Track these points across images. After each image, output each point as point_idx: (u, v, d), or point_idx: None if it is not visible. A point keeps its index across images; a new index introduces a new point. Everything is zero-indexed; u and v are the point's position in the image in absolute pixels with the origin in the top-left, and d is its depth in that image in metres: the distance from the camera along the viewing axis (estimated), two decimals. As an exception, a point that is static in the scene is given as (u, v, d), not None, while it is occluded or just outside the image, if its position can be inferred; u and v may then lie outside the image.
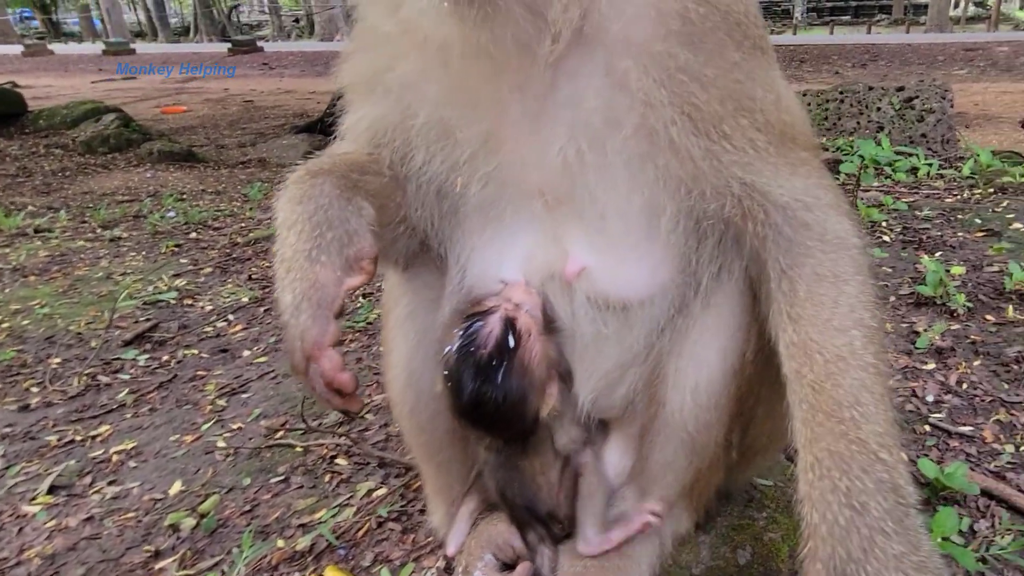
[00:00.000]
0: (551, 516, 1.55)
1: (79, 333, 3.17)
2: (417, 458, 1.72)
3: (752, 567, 1.61)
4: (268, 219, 5.35)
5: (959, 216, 3.90)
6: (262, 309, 3.39)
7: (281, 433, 2.30)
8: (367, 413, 2.39)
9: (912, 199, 4.34)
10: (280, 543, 1.80)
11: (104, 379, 2.76)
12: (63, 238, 4.86)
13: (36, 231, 5.04)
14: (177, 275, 3.92)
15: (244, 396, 2.58)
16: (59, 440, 2.36)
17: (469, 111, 1.26)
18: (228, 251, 4.39)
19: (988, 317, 2.80)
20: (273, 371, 2.75)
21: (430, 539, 1.78)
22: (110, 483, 2.13)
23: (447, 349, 1.31)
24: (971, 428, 2.16)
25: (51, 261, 4.29)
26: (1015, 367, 2.45)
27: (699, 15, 1.15)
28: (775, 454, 1.77)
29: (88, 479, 2.15)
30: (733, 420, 1.41)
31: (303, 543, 1.78)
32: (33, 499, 2.07)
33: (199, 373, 2.78)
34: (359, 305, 3.27)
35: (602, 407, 1.50)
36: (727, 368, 1.36)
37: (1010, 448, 2.06)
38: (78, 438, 2.37)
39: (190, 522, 1.90)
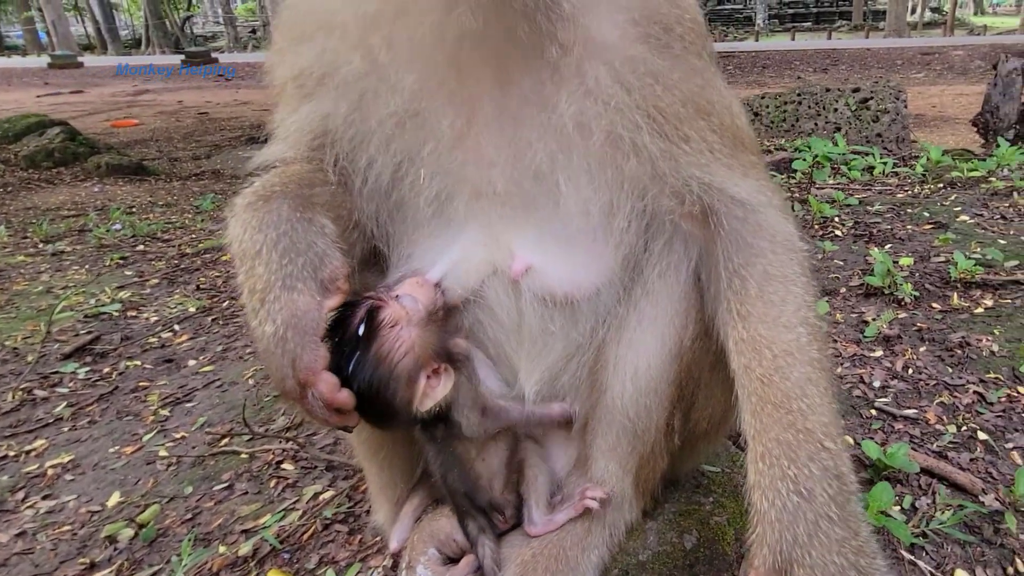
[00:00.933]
0: (492, 506, 1.57)
1: (15, 348, 3.10)
2: (360, 457, 1.73)
3: (698, 551, 1.65)
4: (219, 230, 5.31)
5: (909, 210, 4.05)
6: (210, 319, 3.36)
7: (226, 440, 2.28)
8: (316, 418, 2.38)
9: (865, 195, 4.50)
10: (222, 549, 1.78)
11: (41, 393, 2.70)
12: (2, 254, 4.75)
13: (-28, 247, 4.92)
14: (121, 287, 3.85)
15: (189, 405, 2.55)
16: (-9, 456, 2.31)
17: (445, 104, 1.26)
18: (176, 262, 4.34)
19: (934, 305, 2.91)
20: (219, 379, 2.72)
21: (377, 539, 1.78)
22: (44, 497, 2.08)
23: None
24: (915, 411, 2.25)
25: (-12, 277, 4.19)
26: (958, 352, 2.55)
27: (668, 22, 1.22)
28: (719, 440, 1.81)
29: (21, 494, 2.10)
30: (674, 405, 1.45)
31: (245, 549, 1.77)
32: (-39, 517, 2.01)
33: (142, 384, 2.74)
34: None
35: (545, 396, 1.53)
36: (666, 353, 1.40)
37: (952, 429, 2.14)
38: (11, 453, 2.32)
39: (128, 533, 1.87)
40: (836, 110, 7.50)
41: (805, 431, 1.17)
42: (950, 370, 2.46)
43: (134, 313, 3.48)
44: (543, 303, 1.37)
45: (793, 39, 34.72)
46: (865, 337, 2.71)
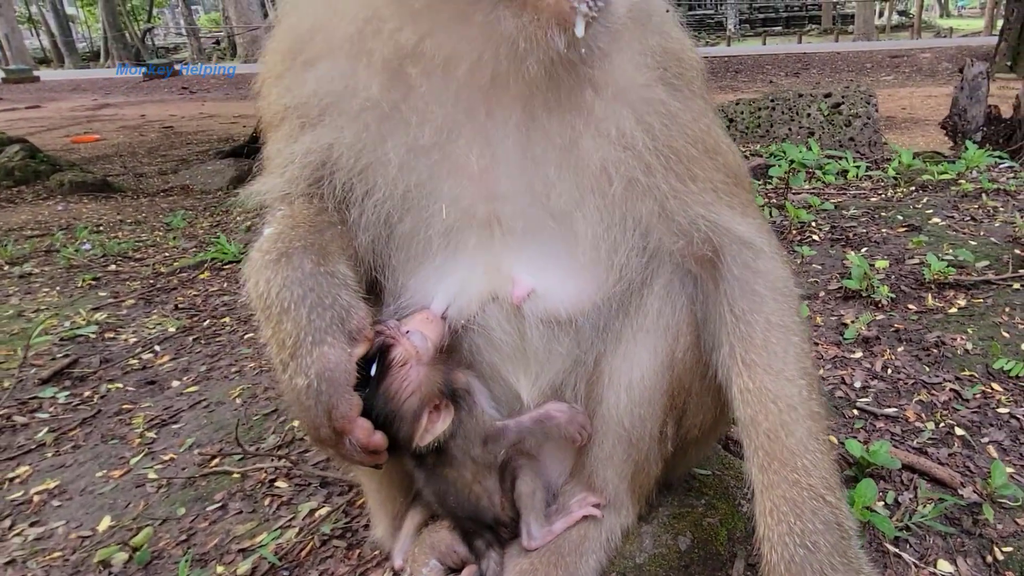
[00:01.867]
0: (497, 521, 1.64)
1: (-10, 374, 3.08)
2: (358, 474, 1.78)
3: (693, 551, 1.73)
4: (193, 248, 5.30)
5: (883, 214, 4.21)
6: (191, 338, 3.37)
7: (217, 460, 2.31)
8: (305, 435, 2.42)
9: (840, 199, 4.67)
10: (219, 569, 1.82)
11: (20, 419, 2.70)
12: (-34, 277, 4.68)
13: (-66, 271, 4.84)
14: (96, 309, 3.84)
15: (175, 427, 2.57)
16: (-28, 485, 2.31)
17: (471, 140, 1.30)
18: (151, 281, 4.33)
19: (910, 306, 3.05)
20: (205, 400, 2.74)
21: (376, 553, 1.83)
22: (32, 524, 2.09)
23: None
24: (895, 409, 2.36)
25: (-47, 302, 4.14)
26: (935, 351, 2.68)
27: (679, 68, 1.31)
28: (710, 445, 1.90)
29: (8, 522, 2.11)
30: (666, 413, 1.54)
31: (244, 567, 1.81)
32: (-54, 547, 2.01)
33: (125, 407, 2.75)
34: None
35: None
36: (658, 365, 1.49)
37: (931, 425, 2.26)
38: (-6, 482, 2.32)
39: (122, 556, 1.90)
40: (809, 115, 7.73)
41: (808, 487, 1.31)
42: (927, 369, 2.58)
43: (112, 335, 3.48)
44: (547, 324, 1.45)
45: (764, 43, 35.51)
46: (845, 339, 2.83)
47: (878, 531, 1.77)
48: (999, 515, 1.85)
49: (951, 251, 3.42)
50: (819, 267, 3.54)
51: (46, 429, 2.61)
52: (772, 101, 8.09)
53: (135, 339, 3.41)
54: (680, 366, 1.50)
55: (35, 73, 29.02)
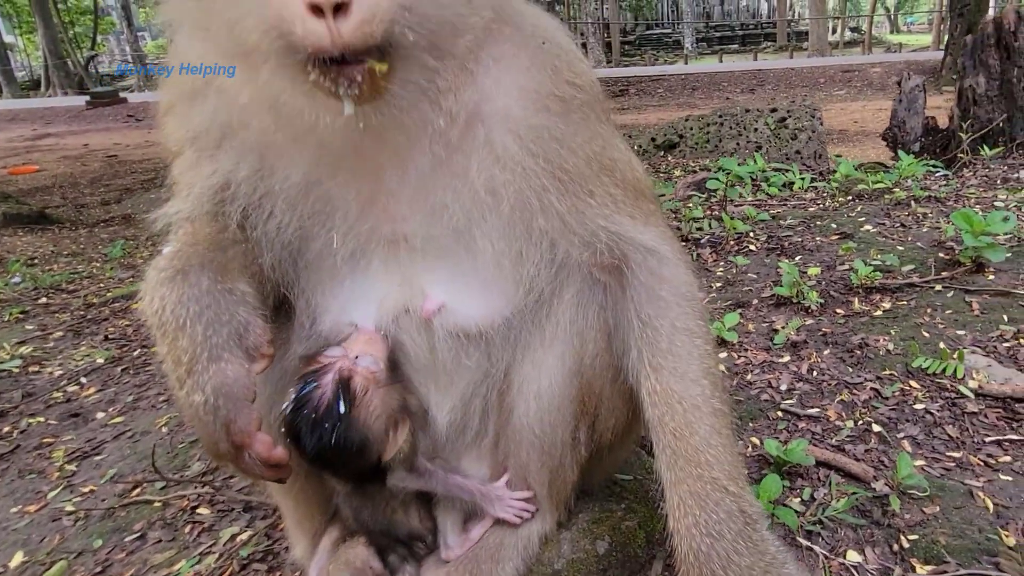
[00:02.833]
0: (412, 536, 1.69)
1: (-98, 413, 3.02)
2: (274, 494, 1.81)
3: (611, 555, 1.79)
4: (129, 278, 5.26)
5: (818, 222, 4.40)
6: (119, 369, 3.35)
7: (138, 490, 2.30)
8: (234, 460, 2.43)
9: (779, 210, 4.86)
10: (134, 599, 1.82)
11: (-68, 458, 2.65)
12: None
13: None
14: (21, 342, 3.79)
15: (97, 458, 2.56)
16: None
17: (347, 178, 1.37)
18: (82, 313, 4.29)
19: (838, 310, 3.20)
20: (131, 430, 2.73)
21: (296, 574, 1.85)
22: (-61, 564, 2.06)
23: (283, 407, 1.40)
24: (818, 409, 2.48)
25: None
26: (858, 352, 2.82)
27: (568, 94, 1.40)
28: (626, 450, 1.97)
29: (-88, 563, 2.08)
30: (577, 419, 1.61)
31: (159, 596, 1.82)
32: None
33: (46, 440, 2.73)
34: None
35: (456, 418, 1.67)
36: (567, 372, 1.56)
37: (850, 423, 2.38)
38: (-100, 523, 2.28)
39: (33, 592, 1.89)
40: (756, 130, 8.02)
41: (712, 480, 1.40)
42: (850, 370, 2.71)
43: (36, 368, 3.43)
44: (456, 338, 1.51)
45: (721, 61, 36.63)
46: (774, 344, 2.95)
47: (789, 525, 1.86)
48: (907, 505, 1.96)
49: (879, 256, 3.59)
50: (754, 276, 3.68)
51: (-41, 467, 2.58)
52: (720, 117, 8.39)
53: (60, 371, 3.38)
54: (589, 372, 1.58)
55: (-29, 103, 28.37)
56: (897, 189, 4.98)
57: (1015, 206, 4.33)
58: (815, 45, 35.46)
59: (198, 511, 2.17)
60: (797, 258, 3.83)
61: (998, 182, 5.23)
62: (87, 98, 27.52)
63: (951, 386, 2.51)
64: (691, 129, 8.46)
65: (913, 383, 2.57)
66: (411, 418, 1.53)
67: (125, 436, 2.69)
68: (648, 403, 1.47)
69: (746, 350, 2.93)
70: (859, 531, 1.90)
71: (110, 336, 3.81)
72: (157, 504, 2.22)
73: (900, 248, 3.75)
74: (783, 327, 3.06)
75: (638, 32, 48.13)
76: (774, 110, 8.21)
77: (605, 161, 1.45)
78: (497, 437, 1.67)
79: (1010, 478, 2.04)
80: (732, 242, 4.15)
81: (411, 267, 1.46)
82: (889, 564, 1.79)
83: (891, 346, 2.82)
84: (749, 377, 2.73)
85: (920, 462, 2.15)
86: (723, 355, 2.90)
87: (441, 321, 1.49)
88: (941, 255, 3.59)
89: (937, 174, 5.75)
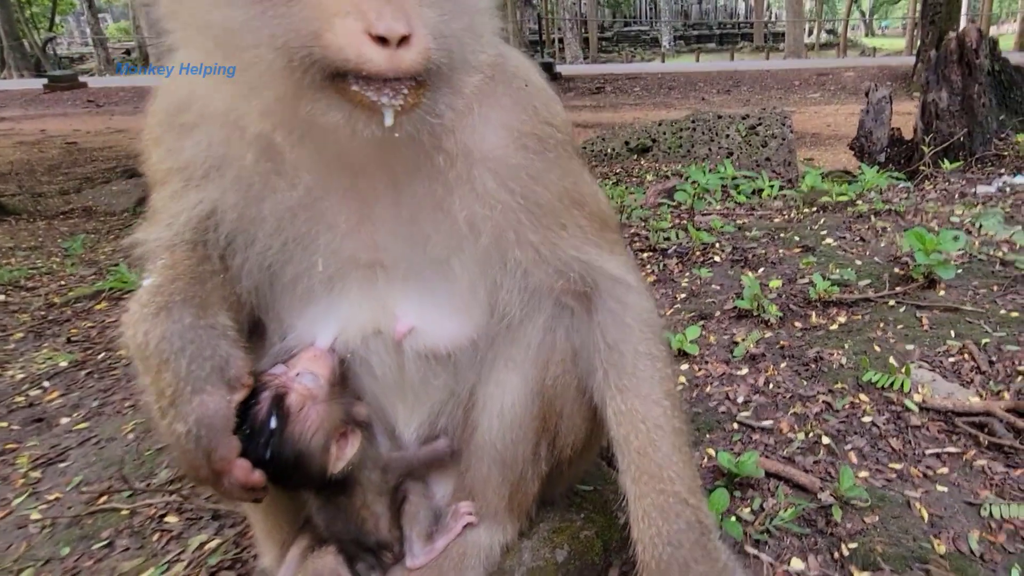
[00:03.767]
0: (380, 545, 1.78)
1: None
2: (245, 505, 1.89)
3: (570, 563, 1.90)
4: (92, 275, 5.24)
5: (782, 235, 4.58)
6: (83, 372, 3.38)
7: (105, 498, 2.36)
8: (201, 468, 2.50)
9: (746, 220, 5.04)
10: (102, 606, 1.89)
11: None
12: None
13: None
14: (-20, 344, 3.79)
15: (62, 465, 2.60)
16: None
17: (340, 200, 1.45)
18: (43, 313, 4.28)
19: (796, 324, 3.36)
20: (96, 436, 2.78)
21: (264, 581, 1.93)
22: (-98, 573, 2.10)
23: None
24: (771, 422, 2.63)
25: None
26: (813, 366, 2.98)
27: (545, 133, 1.51)
28: (586, 462, 2.09)
29: None
30: (539, 436, 1.72)
31: (128, 603, 1.89)
32: None
33: (9, 446, 2.76)
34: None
35: (422, 433, 1.77)
36: (528, 391, 1.67)
37: (801, 436, 2.53)
38: None
39: (-1, 600, 1.94)
40: (728, 136, 8.24)
41: (674, 494, 1.54)
42: (805, 383, 2.87)
43: (-3, 371, 3.45)
44: (424, 359, 1.61)
45: (698, 60, 37.11)
46: (733, 356, 3.10)
47: (735, 536, 2.00)
48: (849, 515, 2.11)
49: (837, 271, 3.77)
50: (717, 288, 3.84)
51: (-81, 473, 2.60)
52: (693, 122, 8.59)
53: (22, 375, 3.39)
54: (551, 392, 1.69)
55: (-81, 83, 27.52)
56: (860, 202, 5.19)
57: (969, 222, 4.55)
58: (791, 47, 36.12)
59: (166, 519, 2.24)
60: (760, 270, 3.99)
61: (956, 196, 5.48)
62: (45, 81, 26.87)
63: (897, 399, 2.68)
64: (664, 134, 8.64)
65: (863, 396, 2.74)
66: (362, 430, 1.62)
67: (91, 442, 2.74)
68: (614, 422, 1.60)
69: (707, 362, 3.08)
70: (803, 540, 2.05)
71: (72, 338, 3.83)
72: (124, 512, 2.28)
73: (858, 263, 3.94)
74: (743, 339, 3.21)
75: (616, 29, 48.48)
76: (745, 117, 8.43)
77: (575, 196, 1.57)
78: (460, 452, 1.78)
79: (946, 489, 2.21)
80: (698, 253, 4.31)
81: (385, 291, 1.55)
82: (829, 571, 1.94)
83: (844, 360, 2.99)
84: (708, 390, 2.87)
85: (864, 473, 2.31)
86: (684, 367, 3.04)
87: (411, 343, 1.59)
88: (896, 270, 3.78)
89: (899, 186, 6.00)
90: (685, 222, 4.83)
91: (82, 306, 4.36)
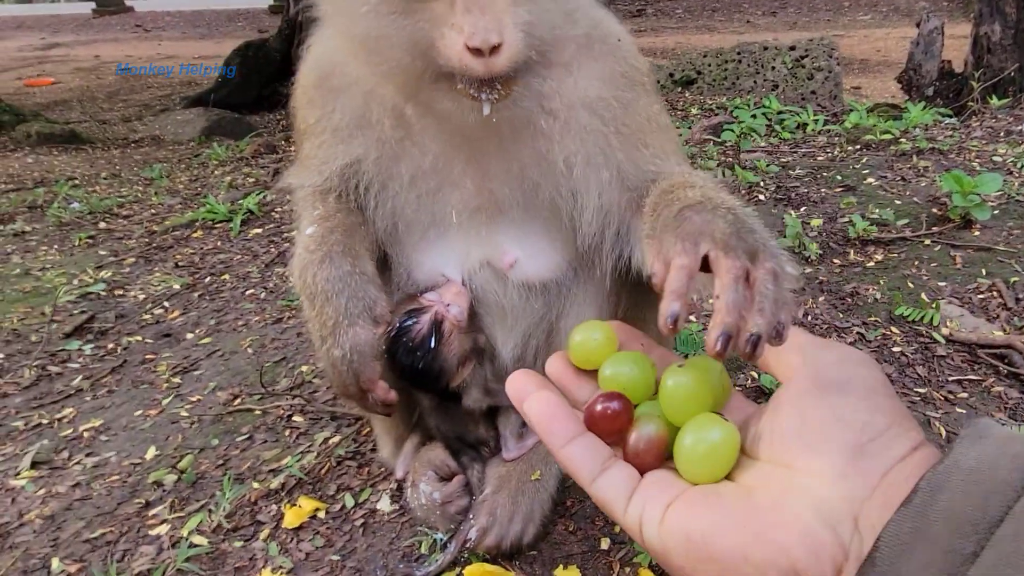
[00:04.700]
0: (479, 441, 2.15)
1: (15, 330, 3.47)
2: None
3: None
4: (178, 205, 5.62)
5: (825, 174, 4.71)
6: (196, 295, 3.78)
7: (239, 400, 2.77)
8: (314, 378, 2.89)
9: (789, 159, 5.15)
10: (256, 484, 2.30)
11: (54, 369, 3.12)
12: (-43, 235, 4.98)
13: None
14: (100, 267, 4.20)
15: (196, 373, 3.02)
16: (26, 424, 2.74)
17: (464, 165, 1.72)
18: (146, 240, 4.68)
19: (835, 261, 3.58)
20: (219, 350, 3.18)
21: (382, 469, 2.33)
22: (88, 455, 2.55)
23: (389, 330, 1.83)
24: (809, 350, 2.90)
25: (-45, 259, 4.46)
26: (849, 300, 3.23)
27: (633, 74, 1.74)
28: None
29: (65, 454, 2.56)
30: None
31: (275, 483, 2.30)
32: (17, 474, 2.47)
33: (148, 357, 3.18)
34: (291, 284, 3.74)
35: (518, 353, 2.11)
36: (603, 318, 1.97)
37: (835, 362, 2.81)
38: (44, 421, 2.76)
39: (172, 478, 2.37)
40: (774, 68, 8.14)
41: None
42: (841, 315, 3.13)
43: (120, 292, 3.86)
44: (523, 288, 1.90)
45: (743, -21, 35.22)
46: (776, 290, 3.34)
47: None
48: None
49: (877, 211, 3.94)
50: (762, 225, 4.04)
51: (80, 377, 3.04)
52: (739, 54, 8.47)
53: (143, 296, 3.80)
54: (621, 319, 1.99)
55: (-28, 7, 27.75)
56: (903, 140, 5.24)
57: (1011, 162, 4.62)
58: (842, -36, 34.00)
59: (293, 419, 2.64)
60: (802, 209, 4.17)
61: (1001, 134, 5.48)
62: (93, 5, 26.88)
63: (926, 332, 2.93)
64: (709, 66, 8.56)
65: (894, 328, 2.99)
66: (477, 357, 1.97)
67: (216, 355, 3.14)
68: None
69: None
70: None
71: (179, 264, 4.22)
72: (258, 412, 2.69)
73: (898, 202, 4.09)
74: (785, 274, 3.44)
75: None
76: (792, 48, 8.28)
77: (661, 122, 1.80)
78: (544, 369, 2.11)
79: (964, 411, 2.48)
80: (743, 192, 4.48)
81: (496, 231, 1.84)
82: (854, 475, 2.25)
83: (878, 295, 3.22)
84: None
85: (890, 396, 2.59)
86: (731, 299, 3.30)
87: (515, 273, 1.89)
88: (934, 210, 3.93)
89: (944, 122, 5.98)
90: (731, 160, 4.98)
91: (180, 234, 4.74)
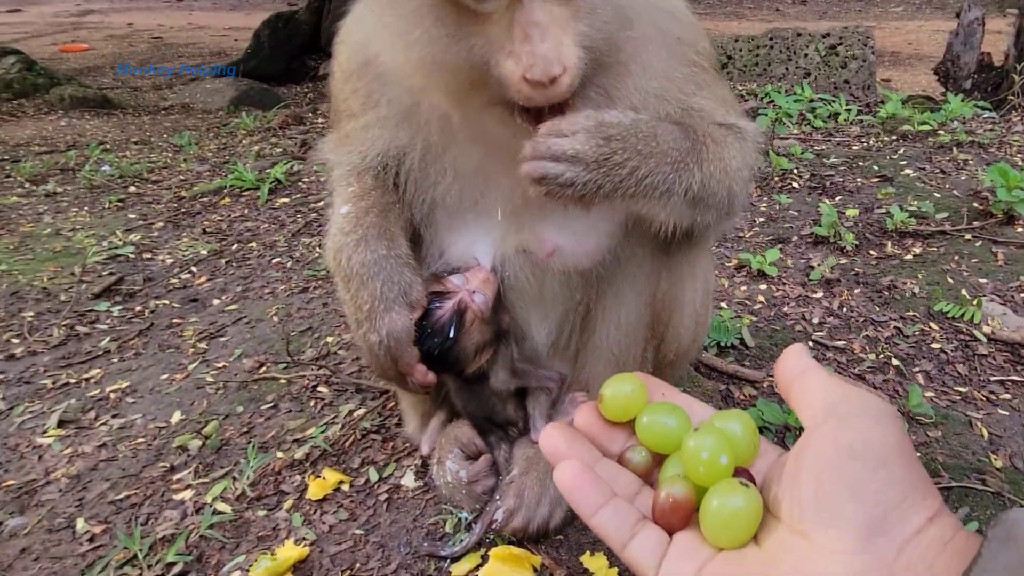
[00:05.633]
0: (507, 422, 2.07)
1: (45, 288, 3.43)
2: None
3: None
4: (207, 171, 5.56)
5: (860, 163, 4.54)
6: (223, 261, 3.72)
7: (265, 368, 2.71)
8: (340, 349, 2.83)
9: (823, 147, 4.98)
10: (279, 454, 2.24)
11: (83, 329, 3.08)
12: (-7, 194, 4.96)
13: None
14: (129, 230, 4.16)
15: (222, 339, 2.96)
16: (54, 383, 2.70)
17: (507, 170, 1.57)
18: (175, 205, 4.63)
19: (871, 252, 3.44)
20: (245, 317, 3.12)
21: (407, 444, 2.26)
22: (114, 416, 2.50)
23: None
24: (844, 342, 2.79)
25: (-11, 217, 4.43)
26: (886, 293, 3.09)
27: (696, 53, 1.63)
28: (683, 367, 2.31)
29: (92, 414, 2.52)
30: (647, 341, 1.94)
31: (299, 453, 2.24)
32: (44, 432, 2.43)
33: (175, 321, 3.13)
34: (319, 255, 3.66)
35: (552, 337, 2.02)
36: (642, 304, 1.88)
37: (872, 357, 2.69)
38: (72, 381, 2.71)
39: (196, 443, 2.32)
40: (806, 55, 7.88)
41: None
42: (877, 309, 3.00)
43: (149, 255, 3.81)
44: (563, 275, 1.82)
45: (774, -34, 34.37)
46: (810, 280, 3.23)
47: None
48: (914, 429, 2.30)
49: (915, 203, 3.78)
50: (795, 214, 3.90)
51: (108, 338, 3.00)
52: (771, 40, 8.21)
53: (171, 260, 3.75)
54: (660, 304, 1.90)
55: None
56: (942, 132, 5.04)
57: (1055, 158, 4.43)
58: (875, -46, 33.07)
59: (318, 389, 2.58)
60: (837, 199, 4.02)
61: (1043, 130, 5.26)
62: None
63: (967, 330, 2.80)
64: (740, 51, 8.31)
65: (933, 324, 2.86)
66: (501, 341, 1.88)
67: (242, 322, 3.08)
68: None
69: (784, 284, 3.21)
70: (870, 445, 2.25)
71: (207, 230, 4.16)
72: (283, 381, 2.63)
73: (937, 195, 3.93)
74: (819, 264, 3.32)
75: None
76: (826, 35, 8.01)
77: (718, 91, 1.68)
78: (578, 351, 2.02)
79: (1007, 413, 2.37)
80: (777, 179, 4.33)
81: (538, 220, 1.75)
82: (892, 473, 2.15)
83: (917, 289, 3.09)
84: (785, 309, 3.03)
85: (930, 393, 2.48)
86: (763, 287, 3.19)
87: (554, 261, 1.80)
88: (975, 205, 3.77)
89: (984, 116, 5.76)
90: (764, 146, 4.81)
91: (208, 200, 4.68)
